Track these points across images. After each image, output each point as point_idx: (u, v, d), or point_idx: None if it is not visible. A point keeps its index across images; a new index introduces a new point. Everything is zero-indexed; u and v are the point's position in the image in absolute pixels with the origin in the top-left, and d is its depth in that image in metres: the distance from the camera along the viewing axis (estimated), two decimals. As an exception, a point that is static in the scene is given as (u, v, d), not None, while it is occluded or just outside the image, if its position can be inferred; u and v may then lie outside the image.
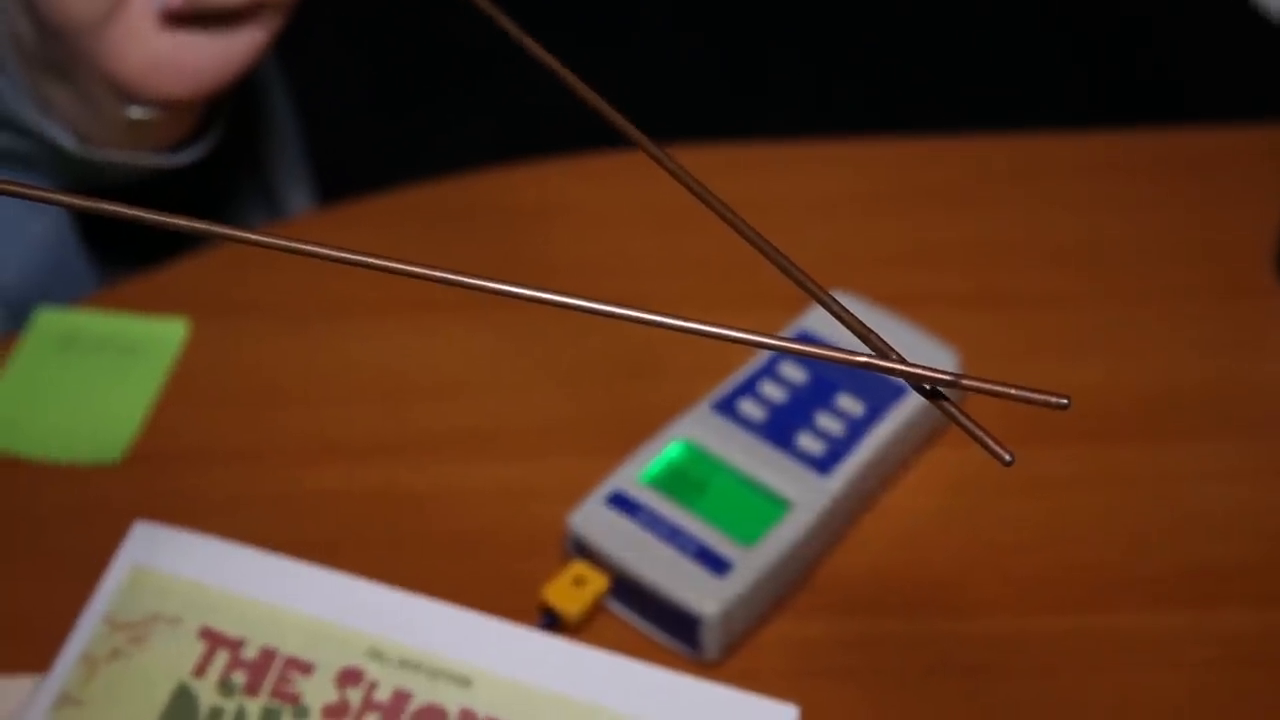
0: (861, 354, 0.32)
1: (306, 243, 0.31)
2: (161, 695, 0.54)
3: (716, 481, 0.60)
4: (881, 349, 0.32)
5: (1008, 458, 0.29)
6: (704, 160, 0.79)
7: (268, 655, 0.55)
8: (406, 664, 0.55)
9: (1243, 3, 1.71)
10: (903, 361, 0.31)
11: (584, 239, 0.74)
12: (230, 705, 0.54)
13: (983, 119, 0.86)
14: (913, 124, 0.86)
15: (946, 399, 0.32)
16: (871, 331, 0.32)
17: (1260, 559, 0.61)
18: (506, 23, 0.40)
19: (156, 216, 0.31)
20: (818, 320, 0.65)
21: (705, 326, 0.31)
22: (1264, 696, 0.57)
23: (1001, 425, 0.66)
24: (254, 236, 0.32)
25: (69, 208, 0.31)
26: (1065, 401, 0.30)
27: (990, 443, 0.29)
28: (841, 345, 0.66)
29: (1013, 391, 0.30)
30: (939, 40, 1.77)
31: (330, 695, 0.54)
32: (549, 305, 0.32)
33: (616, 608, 0.59)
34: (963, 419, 0.30)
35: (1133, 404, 0.67)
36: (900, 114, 1.65)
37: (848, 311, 0.33)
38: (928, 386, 0.32)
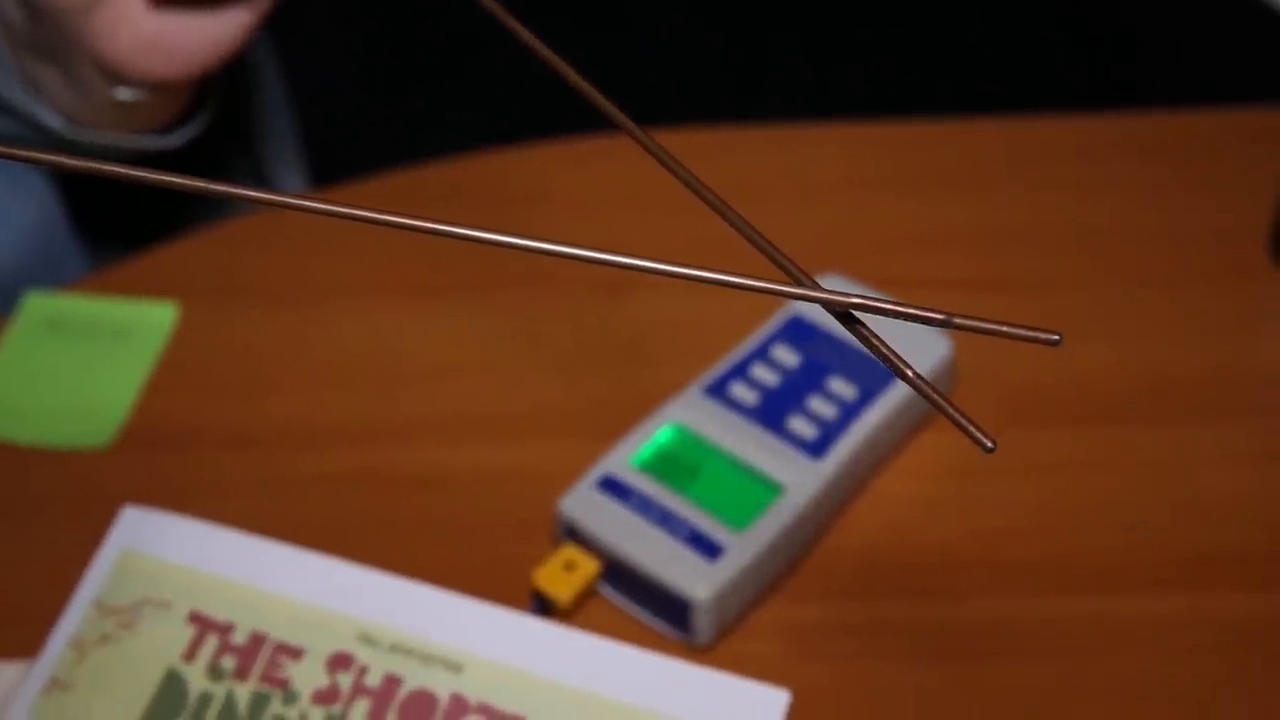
0: (856, 295, 0.31)
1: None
2: (151, 680, 0.54)
3: (708, 465, 0.60)
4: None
5: (989, 445, 0.29)
6: (699, 143, 0.79)
7: (257, 640, 0.55)
8: (397, 649, 0.55)
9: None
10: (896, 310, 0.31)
11: (573, 223, 0.73)
12: (219, 690, 0.54)
13: (979, 102, 0.86)
14: (910, 107, 0.85)
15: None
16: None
17: (1258, 544, 0.61)
18: (494, 7, 0.39)
19: (153, 178, 0.31)
20: (807, 305, 0.65)
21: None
22: (1262, 682, 0.57)
23: (996, 408, 0.66)
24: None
25: (72, 171, 0.30)
26: (1057, 338, 0.30)
27: (971, 429, 0.29)
28: (836, 332, 0.66)
29: (1005, 329, 0.30)
30: (936, 24, 1.76)
31: (320, 680, 0.54)
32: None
33: (608, 592, 0.58)
34: (946, 406, 0.29)
35: (1130, 387, 0.67)
36: (897, 97, 1.65)
37: (844, 294, 0.32)
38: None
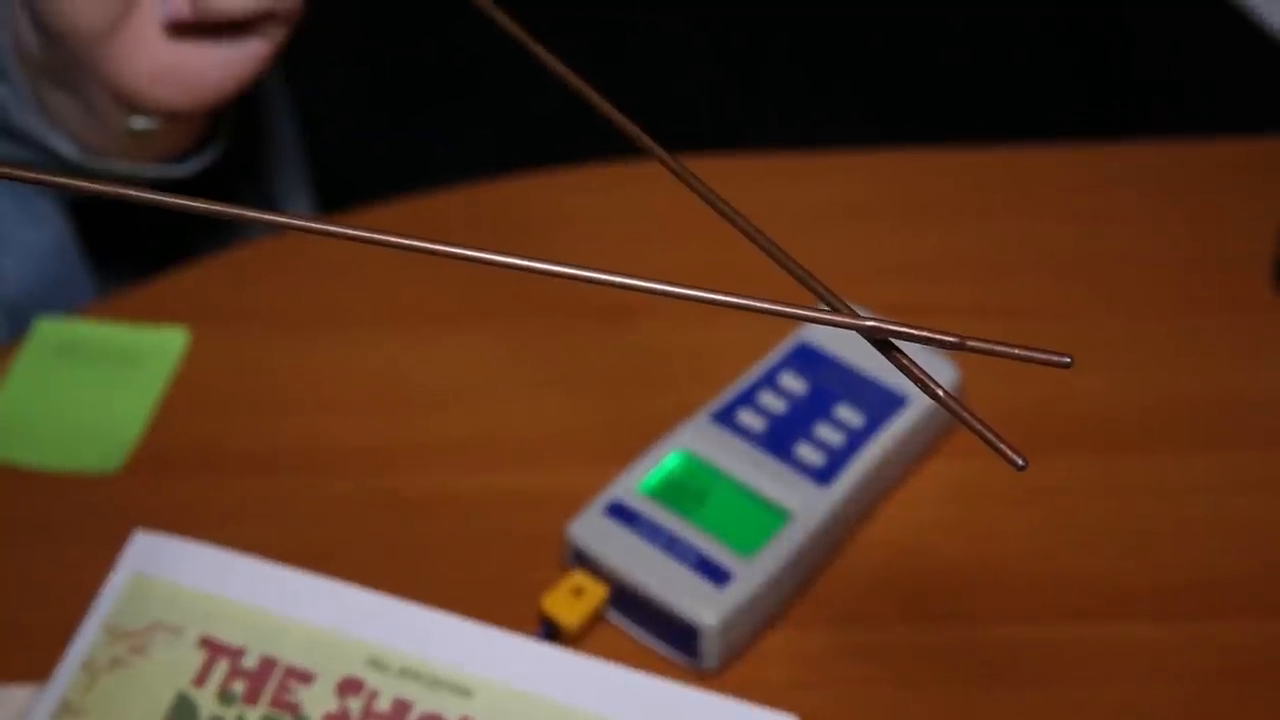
0: (871, 319, 0.31)
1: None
2: (162, 704, 0.54)
3: (716, 492, 0.60)
4: (889, 328, 0.32)
5: (1020, 463, 0.30)
6: (699, 170, 0.79)
7: (268, 664, 0.55)
8: (406, 673, 0.55)
9: (1242, 16, 1.72)
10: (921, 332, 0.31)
11: (586, 250, 0.74)
12: (230, 714, 0.54)
13: (979, 130, 0.86)
14: (910, 136, 0.86)
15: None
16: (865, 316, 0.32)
17: (1259, 571, 0.61)
18: (521, 34, 0.40)
19: (174, 201, 0.31)
20: (818, 330, 0.65)
21: (687, 290, 0.32)
22: (1264, 708, 0.57)
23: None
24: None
25: (82, 192, 0.31)
26: (1068, 360, 0.30)
27: (1002, 447, 0.29)
28: (843, 359, 0.66)
29: (1017, 352, 0.30)
30: (934, 46, 1.77)
31: (330, 705, 0.54)
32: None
33: (615, 618, 0.59)
34: (976, 424, 0.30)
35: (1133, 416, 0.67)
36: (898, 126, 1.65)
37: (862, 317, 0.33)
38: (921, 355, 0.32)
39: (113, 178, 0.68)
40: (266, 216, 0.32)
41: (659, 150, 0.37)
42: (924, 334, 0.31)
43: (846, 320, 0.32)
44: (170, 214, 0.79)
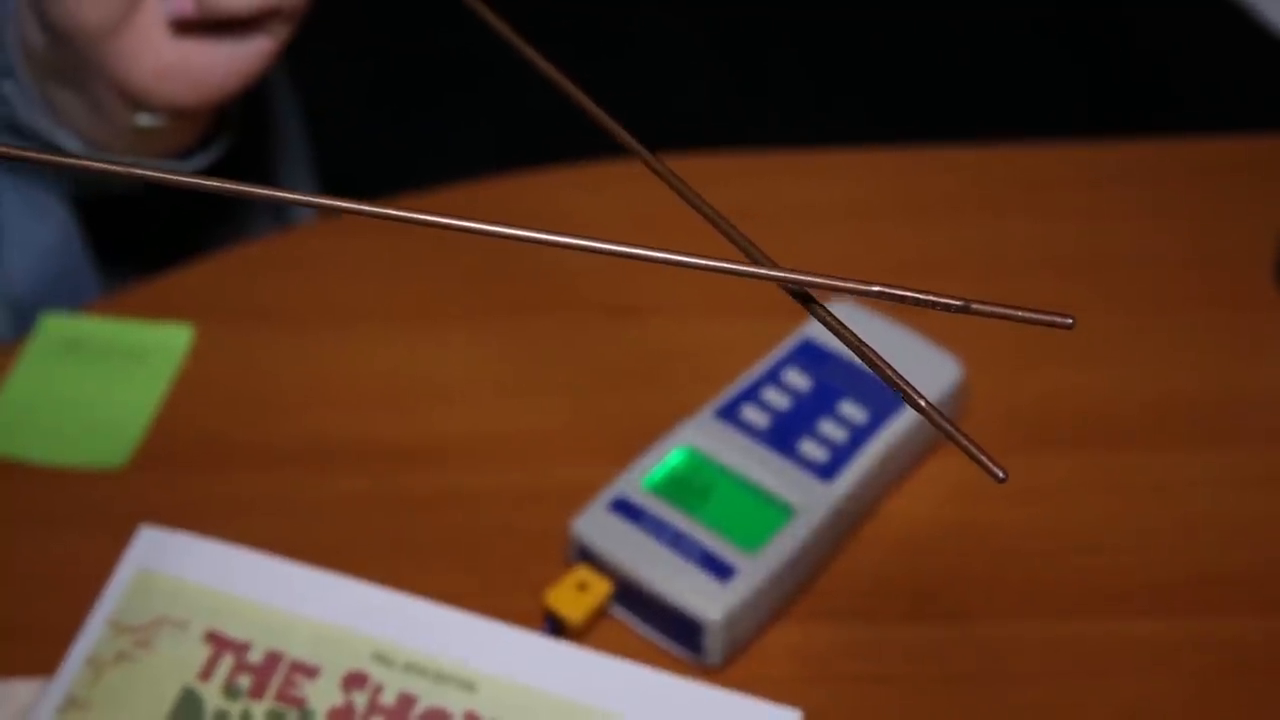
0: (879, 286, 0.31)
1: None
2: (167, 699, 0.54)
3: (719, 488, 0.60)
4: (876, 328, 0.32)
5: (1000, 475, 0.30)
6: (705, 168, 0.80)
7: (273, 659, 0.55)
8: (412, 668, 0.55)
9: (1242, 15, 1.72)
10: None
11: (587, 246, 0.74)
12: (235, 709, 0.54)
13: (980, 131, 0.86)
14: (911, 136, 0.86)
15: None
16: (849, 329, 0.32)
17: (1261, 567, 0.62)
18: (507, 32, 0.40)
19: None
20: (819, 328, 0.65)
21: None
22: (1265, 703, 0.58)
23: (1004, 432, 0.67)
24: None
25: (97, 172, 0.31)
26: (1070, 321, 0.31)
27: (984, 459, 0.29)
28: (847, 356, 0.66)
29: (1020, 314, 0.31)
30: (937, 53, 1.77)
31: (335, 699, 0.55)
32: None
33: (620, 613, 0.59)
34: (959, 436, 0.30)
35: (1135, 412, 0.68)
36: (899, 126, 1.66)
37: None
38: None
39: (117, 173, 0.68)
40: (282, 194, 0.32)
41: (638, 146, 0.37)
42: (929, 298, 0.31)
43: (780, 275, 0.32)
44: (175, 211, 0.79)
